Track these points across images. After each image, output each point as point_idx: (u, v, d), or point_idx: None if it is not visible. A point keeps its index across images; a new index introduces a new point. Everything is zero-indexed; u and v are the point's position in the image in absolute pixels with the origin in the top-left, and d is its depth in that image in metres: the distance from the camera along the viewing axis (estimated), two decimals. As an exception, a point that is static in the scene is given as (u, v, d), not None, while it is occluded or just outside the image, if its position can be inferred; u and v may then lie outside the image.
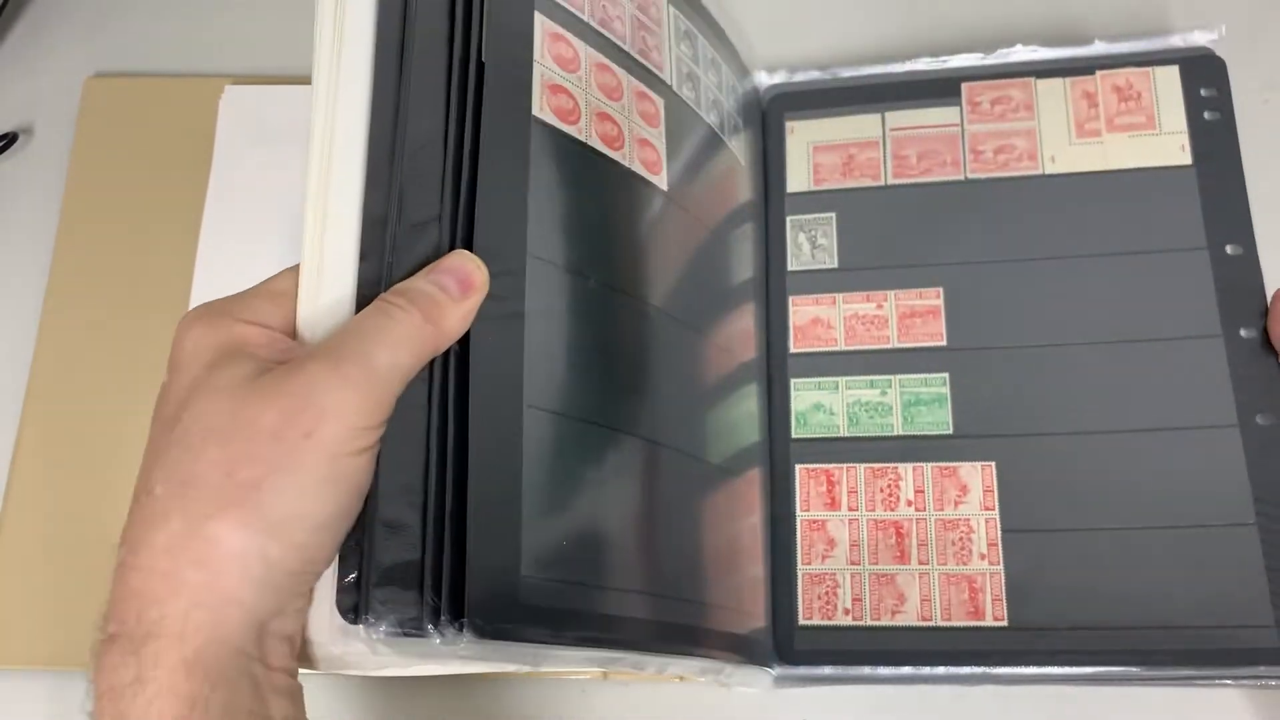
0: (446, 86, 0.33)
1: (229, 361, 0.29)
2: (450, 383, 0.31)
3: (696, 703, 0.44)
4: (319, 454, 0.27)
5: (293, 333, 0.31)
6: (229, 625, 0.27)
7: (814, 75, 0.51)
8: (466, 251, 0.32)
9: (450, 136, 0.33)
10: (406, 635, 0.29)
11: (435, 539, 0.30)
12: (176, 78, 0.55)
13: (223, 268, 0.50)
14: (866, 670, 0.42)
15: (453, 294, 0.31)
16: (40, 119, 0.56)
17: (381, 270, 0.32)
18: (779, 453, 0.45)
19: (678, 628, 0.37)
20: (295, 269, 0.32)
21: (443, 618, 0.29)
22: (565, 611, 0.32)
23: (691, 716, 0.44)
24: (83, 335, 0.50)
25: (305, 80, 0.54)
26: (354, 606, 0.29)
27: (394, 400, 0.29)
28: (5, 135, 0.54)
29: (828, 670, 0.42)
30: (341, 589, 0.30)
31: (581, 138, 0.36)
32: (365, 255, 0.32)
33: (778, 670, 0.42)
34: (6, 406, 0.49)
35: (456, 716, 0.44)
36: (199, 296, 0.49)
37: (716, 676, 0.40)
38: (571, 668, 0.36)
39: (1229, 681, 0.40)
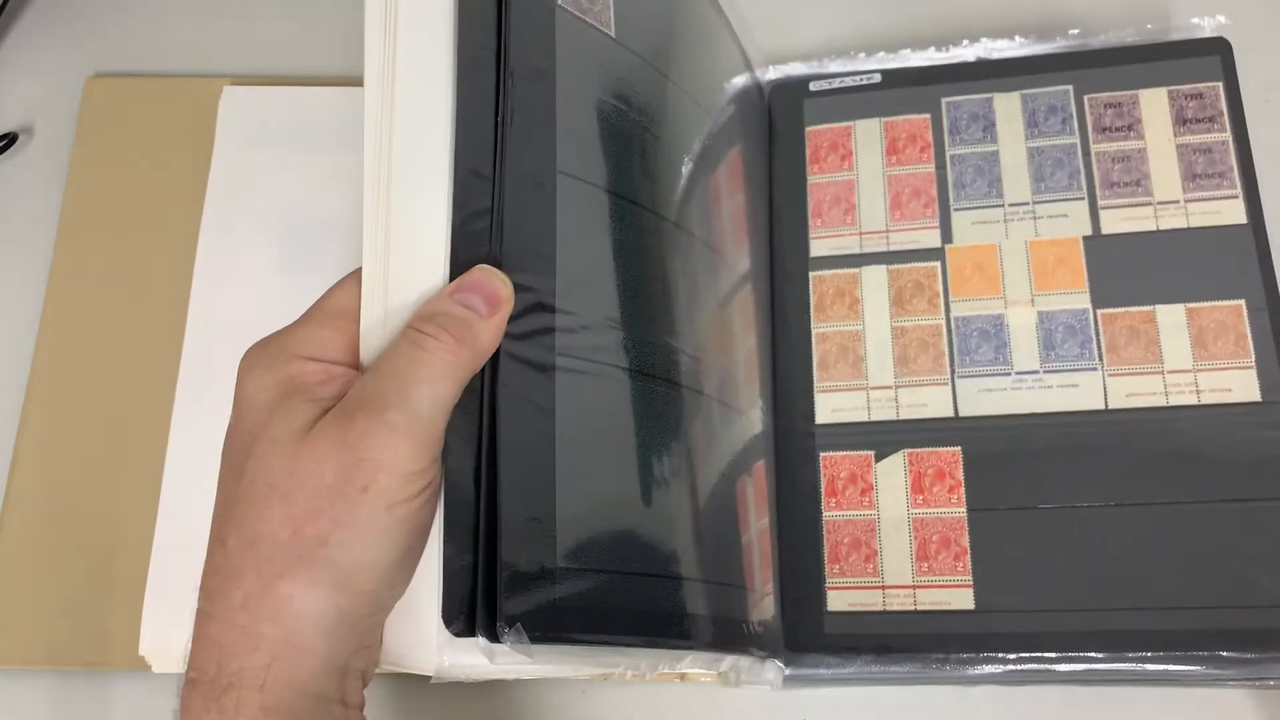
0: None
1: (287, 407, 0.30)
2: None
3: (697, 703, 0.44)
4: (377, 506, 0.28)
5: (354, 356, 0.31)
6: (307, 673, 0.28)
7: (803, 69, 0.52)
8: (488, 266, 0.31)
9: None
10: (542, 640, 0.29)
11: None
12: (176, 78, 0.55)
13: (222, 268, 0.50)
14: (877, 669, 0.42)
15: (481, 312, 0.30)
16: (40, 119, 0.56)
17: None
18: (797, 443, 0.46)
19: (717, 618, 0.38)
20: (351, 280, 0.32)
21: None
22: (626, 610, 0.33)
23: (692, 717, 0.44)
24: (83, 335, 0.50)
25: (305, 81, 0.55)
26: (477, 618, 0.30)
27: (442, 436, 0.30)
28: (5, 135, 0.54)
29: (826, 672, 0.42)
30: (451, 601, 0.30)
31: None
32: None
33: (789, 670, 0.42)
34: (6, 406, 0.49)
35: (458, 717, 0.44)
36: (199, 296, 0.50)
37: (728, 673, 0.39)
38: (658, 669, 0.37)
39: (1232, 682, 0.40)
